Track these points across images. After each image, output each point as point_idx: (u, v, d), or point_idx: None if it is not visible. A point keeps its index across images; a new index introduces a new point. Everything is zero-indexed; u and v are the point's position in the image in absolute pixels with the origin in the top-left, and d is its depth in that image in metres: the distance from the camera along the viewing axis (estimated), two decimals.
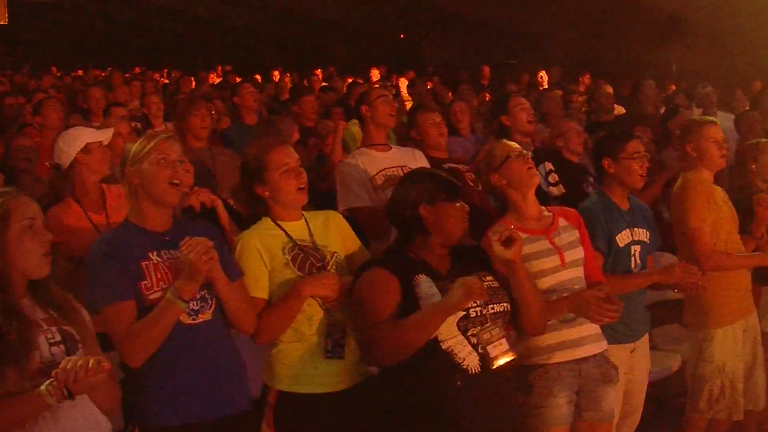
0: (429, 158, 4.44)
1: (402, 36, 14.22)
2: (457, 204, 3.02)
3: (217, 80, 13.43)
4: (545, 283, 3.37)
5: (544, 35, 12.14)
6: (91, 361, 2.27)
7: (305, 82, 11.84)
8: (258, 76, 12.04)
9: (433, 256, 3.04)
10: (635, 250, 3.83)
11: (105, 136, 4.04)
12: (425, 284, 2.93)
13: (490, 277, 3.02)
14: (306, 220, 3.28)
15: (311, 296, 3.08)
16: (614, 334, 3.66)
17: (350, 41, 14.71)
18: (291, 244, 3.16)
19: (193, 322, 2.86)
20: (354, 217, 3.99)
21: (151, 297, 2.80)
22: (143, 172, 2.90)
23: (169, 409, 2.85)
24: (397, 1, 11.52)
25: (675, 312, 4.72)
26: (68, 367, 2.26)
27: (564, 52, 12.01)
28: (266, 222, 3.22)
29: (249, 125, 6.12)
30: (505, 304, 3.02)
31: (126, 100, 7.65)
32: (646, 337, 4.01)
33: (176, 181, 2.92)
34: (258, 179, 3.19)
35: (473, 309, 2.90)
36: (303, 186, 3.20)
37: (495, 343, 2.92)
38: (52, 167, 4.12)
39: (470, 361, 2.89)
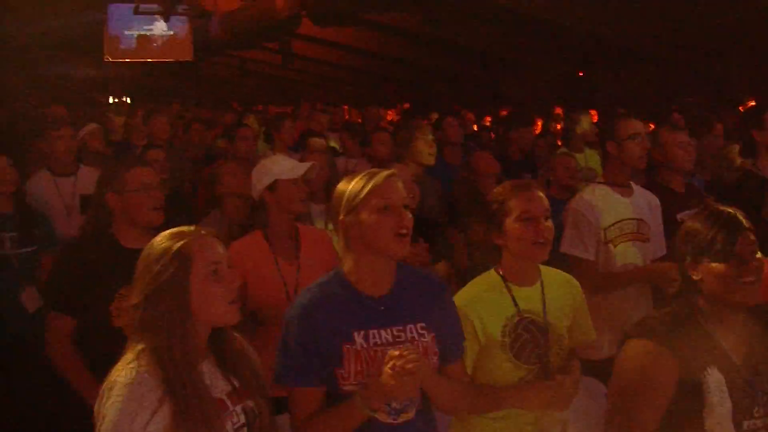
0: (667, 191, 4.07)
1: (581, 73, 13.78)
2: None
3: (396, 118, 13.43)
4: None
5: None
6: None
7: (487, 120, 11.54)
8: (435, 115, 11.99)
9: (725, 333, 2.36)
10: None
11: (298, 172, 3.59)
12: (716, 384, 2.29)
13: None
14: (542, 285, 2.83)
15: None
16: None
17: (523, 78, 14.43)
18: (515, 321, 2.74)
19: (394, 422, 2.42)
20: (571, 266, 3.64)
21: (345, 388, 2.38)
22: (363, 223, 2.41)
23: None
24: (570, 37, 11.13)
25: None
26: None
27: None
28: (493, 279, 2.81)
29: (451, 164, 5.89)
30: None
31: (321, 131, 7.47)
32: None
33: (404, 231, 2.42)
34: (496, 224, 2.80)
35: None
36: (542, 241, 2.74)
37: None
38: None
39: None
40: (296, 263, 3.55)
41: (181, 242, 2.19)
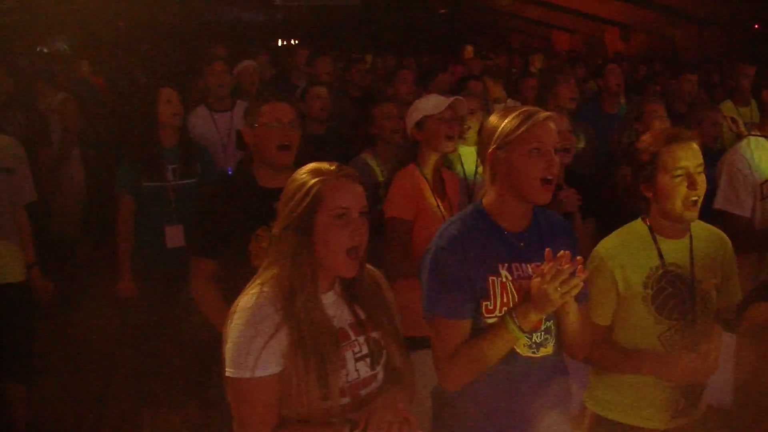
0: None
1: (756, 26, 13.00)
2: None
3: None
4: None
5: None
6: (402, 426, 2.08)
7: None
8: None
9: None
10: None
11: (442, 106, 3.61)
12: None
13: None
14: (691, 239, 2.74)
15: None
16: None
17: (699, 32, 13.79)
18: (660, 273, 2.67)
19: (534, 355, 2.46)
20: (726, 224, 3.48)
21: (489, 321, 2.40)
22: (512, 162, 2.41)
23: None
24: None
25: None
26: (379, 424, 2.09)
27: None
28: (640, 229, 2.74)
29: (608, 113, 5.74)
30: None
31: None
32: None
33: (549, 177, 2.40)
34: (646, 176, 2.70)
35: None
36: (695, 198, 2.63)
37: None
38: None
39: None
40: (447, 200, 3.66)
41: (316, 180, 2.19)
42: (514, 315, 2.30)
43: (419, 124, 3.64)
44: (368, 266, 2.36)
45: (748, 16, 12.36)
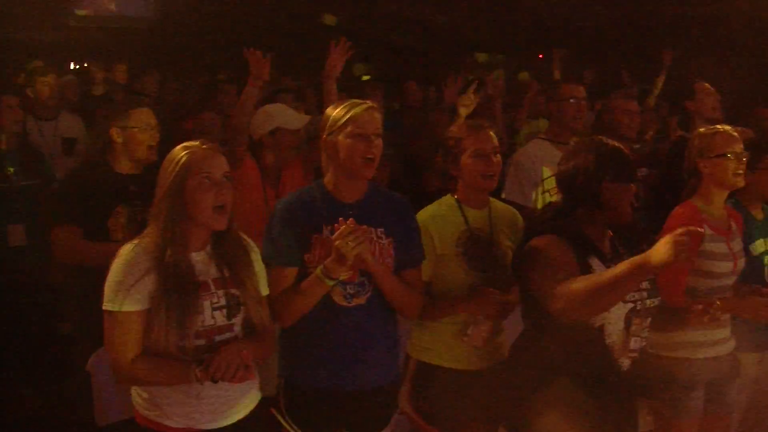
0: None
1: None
2: (632, 186, 2.92)
3: None
4: (709, 284, 3.47)
5: None
6: (240, 369, 2.52)
7: None
8: None
9: (596, 233, 2.92)
10: None
11: (295, 125, 4.39)
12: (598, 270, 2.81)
13: None
14: (490, 210, 3.33)
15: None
16: (742, 341, 3.71)
17: None
18: (467, 235, 3.23)
19: (347, 304, 2.95)
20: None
21: (311, 271, 2.89)
22: (338, 145, 2.92)
23: (313, 372, 2.99)
24: None
25: None
26: (220, 363, 2.50)
27: None
28: (449, 201, 3.31)
29: None
30: (657, 300, 2.97)
31: None
32: None
33: (370, 156, 2.92)
34: (452, 159, 3.27)
35: (639, 302, 2.88)
36: (491, 174, 3.24)
37: (639, 338, 2.92)
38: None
39: (624, 360, 2.91)
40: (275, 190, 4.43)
41: (185, 152, 2.65)
42: (324, 266, 2.82)
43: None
44: (241, 234, 2.81)
45: None
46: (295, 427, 3.01)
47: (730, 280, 3.51)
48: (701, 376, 3.49)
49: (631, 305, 2.84)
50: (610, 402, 2.88)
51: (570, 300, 2.63)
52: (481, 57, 12.32)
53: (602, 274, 2.65)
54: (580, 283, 2.64)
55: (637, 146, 5.15)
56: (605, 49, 12.10)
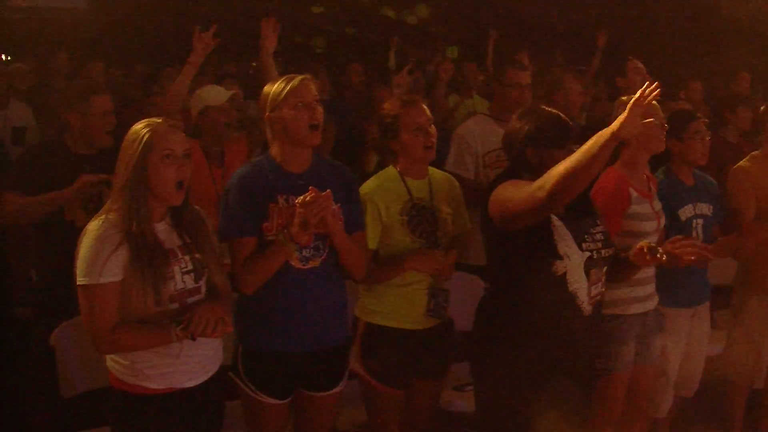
0: None
1: None
2: (565, 151, 2.94)
3: None
4: (636, 243, 3.57)
5: None
6: (218, 324, 2.67)
7: None
8: None
9: None
10: (697, 224, 4.09)
11: (219, 99, 4.53)
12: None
13: (600, 226, 3.15)
14: (430, 180, 3.48)
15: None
16: (674, 297, 3.98)
17: None
18: (410, 205, 3.38)
19: (303, 267, 3.11)
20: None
21: (269, 239, 3.04)
22: (283, 118, 3.06)
23: (269, 336, 3.13)
24: None
25: None
26: (199, 320, 2.65)
27: None
28: (392, 173, 3.46)
29: None
30: (612, 250, 3.16)
31: None
32: (707, 304, 4.27)
33: (315, 123, 3.07)
34: (391, 135, 3.42)
35: (595, 252, 3.04)
36: (430, 145, 3.40)
37: (598, 285, 3.10)
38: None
39: (586, 306, 3.06)
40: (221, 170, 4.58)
41: (147, 129, 2.71)
42: (286, 231, 2.98)
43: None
44: (194, 205, 2.94)
45: None
46: (254, 389, 3.17)
47: (654, 238, 3.66)
48: (632, 331, 3.69)
49: (588, 254, 3.02)
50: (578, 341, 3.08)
51: (552, 183, 2.71)
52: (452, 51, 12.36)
53: (574, 153, 2.73)
54: (556, 168, 2.74)
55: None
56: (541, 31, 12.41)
